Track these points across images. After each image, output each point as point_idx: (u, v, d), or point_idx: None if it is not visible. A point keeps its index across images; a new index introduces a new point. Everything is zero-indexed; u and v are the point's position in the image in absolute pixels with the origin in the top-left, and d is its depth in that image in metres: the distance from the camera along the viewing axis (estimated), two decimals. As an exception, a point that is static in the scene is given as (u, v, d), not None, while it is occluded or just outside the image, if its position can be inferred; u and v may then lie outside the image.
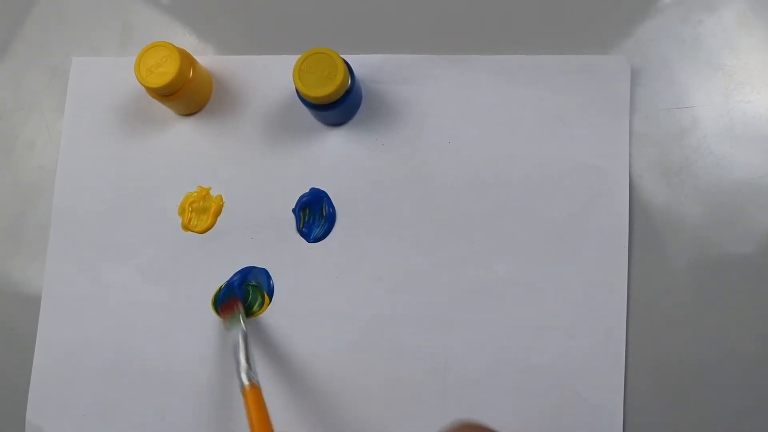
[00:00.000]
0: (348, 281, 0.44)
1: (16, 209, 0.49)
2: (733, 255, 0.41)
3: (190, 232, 0.46)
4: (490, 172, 0.43)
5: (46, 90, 0.50)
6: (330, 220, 0.44)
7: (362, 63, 0.45)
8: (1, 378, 0.47)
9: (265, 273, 0.44)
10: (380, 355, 0.42)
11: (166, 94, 0.44)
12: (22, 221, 0.49)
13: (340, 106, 0.42)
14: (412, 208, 0.44)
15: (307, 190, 0.45)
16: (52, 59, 0.50)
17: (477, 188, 0.43)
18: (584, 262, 0.41)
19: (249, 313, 0.44)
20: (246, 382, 0.39)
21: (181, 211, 0.46)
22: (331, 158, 0.45)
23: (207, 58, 0.47)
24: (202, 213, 0.46)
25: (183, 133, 0.47)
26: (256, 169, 0.46)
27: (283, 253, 0.44)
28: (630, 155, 0.42)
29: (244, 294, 0.44)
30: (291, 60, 0.41)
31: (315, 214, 0.45)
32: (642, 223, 0.42)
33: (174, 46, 0.43)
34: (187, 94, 0.44)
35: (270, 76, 0.46)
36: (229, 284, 0.45)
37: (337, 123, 0.45)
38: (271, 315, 0.44)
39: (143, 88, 0.44)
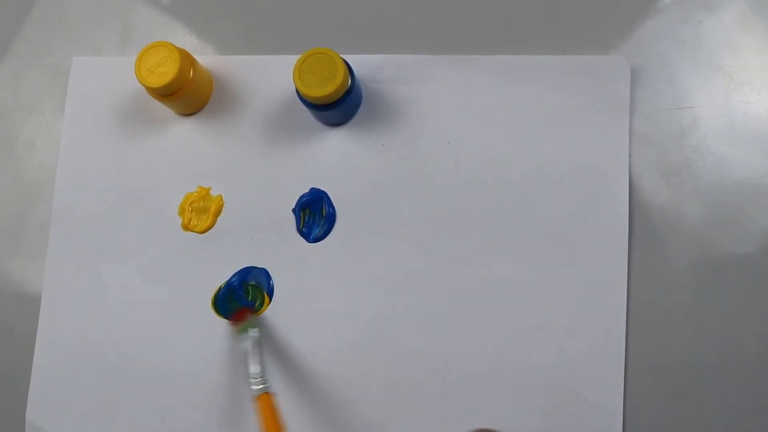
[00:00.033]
0: (348, 281, 0.44)
1: (16, 209, 0.49)
2: (733, 255, 0.41)
3: (190, 232, 0.46)
4: (490, 172, 0.43)
5: (46, 90, 0.50)
6: (330, 220, 0.44)
7: (362, 63, 0.45)
8: (1, 378, 0.47)
9: (265, 273, 0.44)
10: (380, 355, 0.42)
11: (166, 94, 0.44)
12: (22, 221, 0.49)
13: (340, 106, 0.42)
14: (412, 208, 0.44)
15: (307, 190, 0.45)
16: (52, 59, 0.50)
17: (477, 188, 0.43)
18: (584, 262, 0.41)
19: (249, 313, 0.44)
20: (259, 389, 0.39)
21: (181, 211, 0.46)
22: (331, 158, 0.45)
23: (207, 58, 0.47)
24: (202, 213, 0.46)
25: (183, 133, 0.47)
26: (256, 169, 0.46)
27: (283, 253, 0.44)
28: (630, 155, 0.42)
29: (243, 294, 0.44)
30: (291, 60, 0.41)
31: (315, 214, 0.45)
32: (642, 223, 0.42)
33: (174, 46, 0.43)
34: (187, 94, 0.44)
35: (270, 76, 0.46)
36: (229, 284, 0.45)
37: (337, 123, 0.45)
38: (271, 315, 0.44)
39: (143, 88, 0.44)
